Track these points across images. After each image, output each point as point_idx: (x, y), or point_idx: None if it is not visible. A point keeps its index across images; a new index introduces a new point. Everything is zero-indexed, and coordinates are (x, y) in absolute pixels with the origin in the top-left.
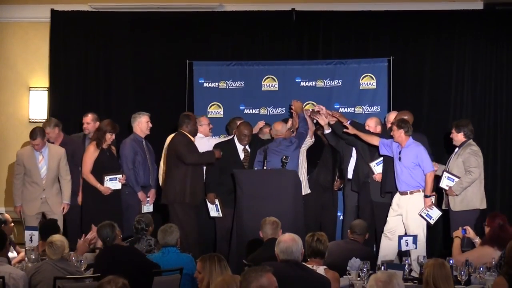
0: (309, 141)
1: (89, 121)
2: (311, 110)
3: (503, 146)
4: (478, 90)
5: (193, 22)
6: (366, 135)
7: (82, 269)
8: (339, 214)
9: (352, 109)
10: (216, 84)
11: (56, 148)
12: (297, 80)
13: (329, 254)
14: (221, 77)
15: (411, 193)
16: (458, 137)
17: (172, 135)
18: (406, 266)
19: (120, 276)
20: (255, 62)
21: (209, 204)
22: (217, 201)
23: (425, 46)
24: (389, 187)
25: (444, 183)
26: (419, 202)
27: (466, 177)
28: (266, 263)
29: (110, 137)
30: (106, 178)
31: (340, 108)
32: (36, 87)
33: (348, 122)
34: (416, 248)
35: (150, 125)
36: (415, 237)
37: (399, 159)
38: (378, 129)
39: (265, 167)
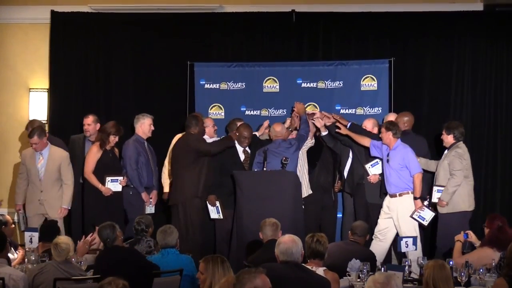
0: (309, 142)
1: (90, 123)
2: (307, 112)
3: (503, 146)
4: (478, 91)
5: (193, 23)
6: (357, 136)
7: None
8: (339, 215)
9: (354, 110)
10: (217, 85)
11: (58, 151)
12: (298, 82)
13: (330, 255)
14: (222, 78)
15: (400, 195)
16: (447, 139)
17: (179, 135)
18: (406, 267)
19: (120, 278)
20: (256, 63)
21: (209, 206)
22: (217, 203)
23: (425, 47)
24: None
25: (435, 197)
26: (409, 204)
27: (450, 182)
28: (266, 264)
29: (113, 139)
30: (108, 179)
31: (341, 110)
32: (36, 88)
33: (348, 124)
34: (416, 249)
35: (153, 128)
36: (415, 238)
37: (387, 161)
38: (375, 130)
39: (264, 169)
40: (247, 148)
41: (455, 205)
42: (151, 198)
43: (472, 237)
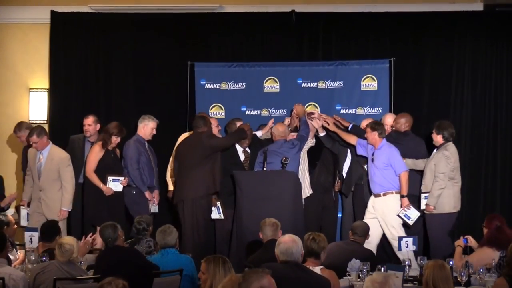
0: (310, 142)
1: (90, 123)
2: (306, 112)
3: (503, 146)
4: (478, 91)
5: (194, 23)
6: (344, 134)
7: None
8: (339, 215)
9: (354, 110)
10: (218, 85)
11: (58, 151)
12: (298, 82)
13: (330, 255)
14: (223, 79)
15: (384, 195)
16: (437, 138)
17: (186, 135)
18: (406, 267)
19: (120, 278)
20: (257, 63)
21: None
22: (218, 204)
23: (425, 47)
24: None
25: (423, 204)
26: (393, 204)
27: (434, 185)
28: (266, 264)
29: (115, 139)
30: (110, 178)
31: (342, 110)
32: (36, 88)
33: (350, 126)
34: (416, 249)
35: (154, 132)
36: (415, 238)
37: (372, 160)
38: None
39: (264, 168)
40: (247, 149)
41: (439, 207)
42: (153, 197)
43: (472, 241)
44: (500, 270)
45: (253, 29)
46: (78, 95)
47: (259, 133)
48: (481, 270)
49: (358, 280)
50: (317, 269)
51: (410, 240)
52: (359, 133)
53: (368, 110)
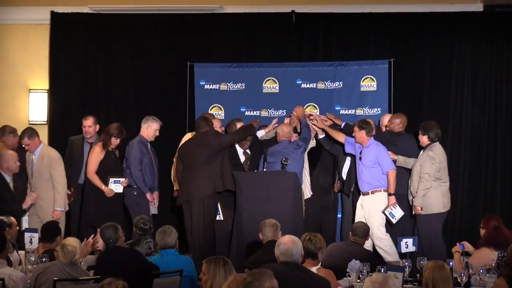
0: (310, 143)
1: (91, 124)
2: (305, 113)
3: (503, 147)
4: (478, 92)
5: (193, 24)
6: (333, 131)
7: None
8: (339, 216)
9: (353, 111)
10: (217, 86)
11: (49, 151)
12: (298, 82)
13: (330, 256)
14: (222, 79)
15: (372, 192)
16: (423, 139)
17: (189, 135)
18: (406, 268)
19: (120, 278)
20: (256, 64)
21: None
22: (218, 204)
23: (425, 47)
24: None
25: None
26: (380, 202)
27: (419, 186)
28: (266, 265)
29: (114, 141)
30: (111, 180)
31: (341, 110)
32: (36, 89)
33: (342, 124)
34: (416, 250)
35: (158, 133)
36: (414, 239)
37: (360, 158)
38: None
39: (264, 169)
40: (247, 150)
41: (427, 207)
42: (154, 199)
43: (469, 247)
44: (499, 271)
45: (252, 29)
46: (78, 96)
47: (260, 134)
48: (481, 270)
49: (358, 281)
50: (314, 269)
51: (410, 240)
52: (351, 131)
53: (367, 111)
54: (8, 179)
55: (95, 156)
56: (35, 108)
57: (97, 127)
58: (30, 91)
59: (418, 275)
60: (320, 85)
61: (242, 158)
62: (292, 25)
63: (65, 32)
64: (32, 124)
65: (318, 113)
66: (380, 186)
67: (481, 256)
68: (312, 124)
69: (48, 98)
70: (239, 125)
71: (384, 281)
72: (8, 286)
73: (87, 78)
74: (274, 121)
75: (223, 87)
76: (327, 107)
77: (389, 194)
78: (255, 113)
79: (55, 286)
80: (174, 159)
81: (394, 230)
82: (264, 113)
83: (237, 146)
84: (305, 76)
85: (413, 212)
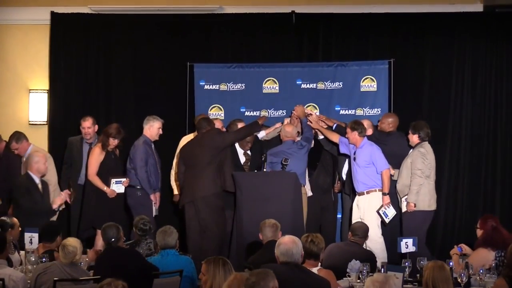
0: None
1: (90, 126)
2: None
3: (503, 147)
4: (478, 91)
5: (193, 24)
6: (327, 132)
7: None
8: (339, 216)
9: (353, 111)
10: (217, 86)
11: (39, 152)
12: (298, 82)
13: (330, 256)
14: (222, 79)
15: (367, 192)
16: (413, 138)
17: (188, 137)
18: (407, 268)
19: (120, 279)
20: (256, 64)
21: None
22: None
23: (425, 48)
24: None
25: (404, 206)
26: (375, 202)
27: (412, 182)
28: (266, 265)
29: (112, 141)
30: (113, 180)
31: (341, 110)
32: (36, 89)
33: (334, 125)
34: (416, 250)
35: (161, 132)
36: (414, 239)
37: (354, 159)
38: (370, 131)
39: (264, 169)
40: (248, 151)
41: (415, 204)
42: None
43: (466, 249)
44: (498, 271)
45: (252, 30)
46: (78, 96)
47: (261, 134)
48: (481, 270)
49: (358, 281)
50: (315, 270)
51: (410, 240)
52: (343, 132)
53: (367, 111)
54: (37, 180)
55: (95, 158)
56: (35, 108)
57: (96, 127)
58: (30, 91)
59: (418, 275)
60: (320, 85)
61: (242, 159)
62: (292, 25)
63: (65, 32)
64: (32, 124)
65: (318, 113)
66: (375, 186)
67: (478, 257)
68: (308, 123)
69: (48, 98)
70: (240, 125)
71: (385, 280)
72: (8, 286)
73: (87, 78)
74: (278, 124)
75: (223, 87)
76: (327, 107)
77: (384, 194)
78: (255, 113)
79: (55, 286)
80: (173, 163)
81: (385, 229)
82: (264, 114)
83: (237, 147)
84: (305, 76)
85: (406, 209)
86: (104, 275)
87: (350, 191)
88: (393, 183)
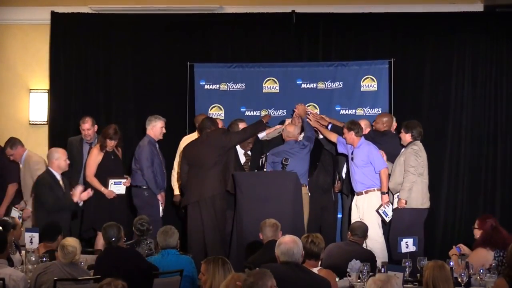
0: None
1: (89, 127)
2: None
3: (503, 147)
4: (478, 91)
5: (193, 24)
6: (325, 131)
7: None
8: (339, 216)
9: (353, 111)
10: (217, 86)
11: (31, 157)
12: (298, 82)
13: (330, 256)
14: (222, 79)
15: (366, 192)
16: (405, 137)
17: (189, 137)
18: (407, 268)
19: (120, 278)
20: (256, 64)
21: None
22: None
23: (425, 47)
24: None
25: (395, 202)
26: (374, 201)
27: (405, 179)
28: (267, 265)
29: (109, 142)
30: (111, 181)
31: (341, 110)
32: (36, 89)
33: (329, 125)
34: (416, 250)
35: (164, 130)
36: (415, 239)
37: (352, 159)
38: (367, 131)
39: (265, 169)
40: (248, 152)
41: (407, 201)
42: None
43: (465, 249)
44: (497, 270)
45: (253, 29)
46: (78, 96)
47: (261, 134)
48: (481, 270)
49: (358, 281)
50: (315, 270)
51: (410, 240)
52: (340, 132)
53: (368, 111)
54: (58, 176)
55: (93, 159)
56: (35, 108)
57: (96, 127)
58: (30, 91)
59: (418, 275)
60: (320, 85)
61: (243, 159)
62: (292, 25)
63: (65, 32)
64: (33, 124)
65: (318, 113)
66: (373, 185)
67: (478, 257)
68: (307, 120)
69: (48, 98)
70: (241, 125)
71: (387, 280)
72: (8, 286)
73: (87, 78)
74: (279, 126)
75: (223, 87)
76: (327, 107)
77: (382, 193)
78: (255, 113)
79: (56, 286)
80: (175, 164)
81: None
82: (264, 113)
83: (238, 147)
84: (305, 76)
85: (397, 206)
86: (104, 275)
87: (348, 191)
88: None
